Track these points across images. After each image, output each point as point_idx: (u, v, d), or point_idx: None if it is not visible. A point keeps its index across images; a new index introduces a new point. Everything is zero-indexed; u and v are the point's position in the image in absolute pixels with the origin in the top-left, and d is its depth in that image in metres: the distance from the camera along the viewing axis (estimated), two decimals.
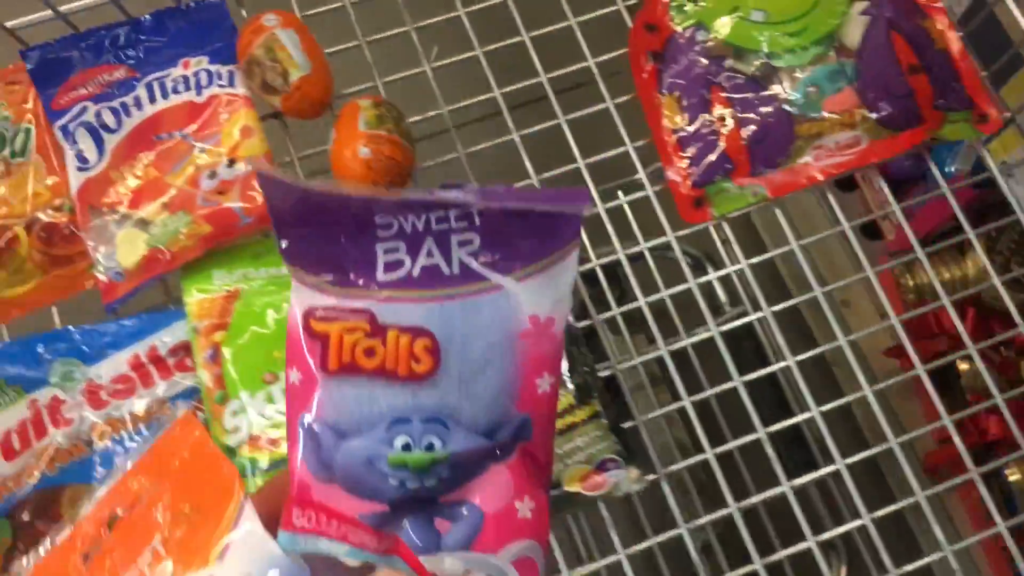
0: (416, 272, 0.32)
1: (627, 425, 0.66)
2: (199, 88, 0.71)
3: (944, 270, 1.14)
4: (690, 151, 0.70)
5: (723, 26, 0.72)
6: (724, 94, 0.70)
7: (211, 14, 0.74)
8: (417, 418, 0.31)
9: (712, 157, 0.69)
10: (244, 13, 0.76)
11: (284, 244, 0.33)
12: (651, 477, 0.65)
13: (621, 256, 0.70)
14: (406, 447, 0.31)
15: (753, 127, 0.69)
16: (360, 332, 0.31)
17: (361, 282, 0.32)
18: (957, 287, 1.11)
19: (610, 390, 0.66)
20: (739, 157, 0.69)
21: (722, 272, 0.70)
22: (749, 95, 0.70)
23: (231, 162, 0.68)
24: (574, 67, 0.74)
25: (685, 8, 0.73)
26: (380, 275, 0.32)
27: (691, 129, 0.70)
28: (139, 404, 0.64)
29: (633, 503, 0.89)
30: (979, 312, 1.08)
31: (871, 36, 0.70)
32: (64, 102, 0.71)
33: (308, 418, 0.32)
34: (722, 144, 0.69)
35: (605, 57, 0.74)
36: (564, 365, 0.65)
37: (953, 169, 0.98)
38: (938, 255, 1.10)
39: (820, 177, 0.69)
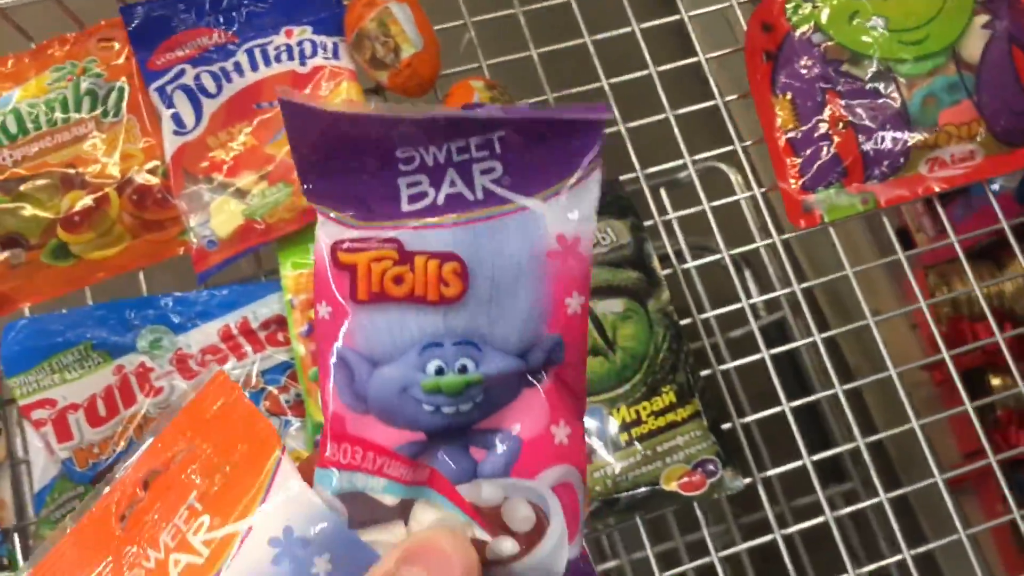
0: (440, 200, 0.32)
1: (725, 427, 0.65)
2: (303, 58, 0.69)
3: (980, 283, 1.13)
4: (802, 154, 0.69)
5: (841, 29, 0.70)
6: (839, 99, 0.69)
7: None
8: (449, 341, 0.31)
9: (825, 161, 0.68)
10: None
11: (307, 185, 0.33)
12: (747, 480, 0.64)
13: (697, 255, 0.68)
14: (439, 371, 0.31)
15: (868, 134, 0.68)
16: (388, 260, 0.31)
17: (386, 214, 0.32)
18: (994, 303, 1.11)
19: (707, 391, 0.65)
20: (852, 163, 0.68)
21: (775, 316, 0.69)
22: (865, 101, 0.68)
23: None
24: (688, 60, 0.72)
25: (802, 9, 0.72)
26: (404, 206, 0.32)
27: (804, 131, 0.69)
28: (235, 371, 0.62)
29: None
30: (1015, 327, 1.08)
31: (992, 50, 0.69)
32: (161, 63, 0.69)
33: (340, 349, 0.31)
34: (835, 149, 0.68)
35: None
36: (668, 363, 0.63)
37: (998, 187, 0.97)
38: (975, 270, 1.10)
39: (936, 188, 0.68)
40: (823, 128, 0.68)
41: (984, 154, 0.68)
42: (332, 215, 0.32)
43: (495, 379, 0.31)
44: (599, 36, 0.74)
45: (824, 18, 0.71)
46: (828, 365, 0.67)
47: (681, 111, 0.72)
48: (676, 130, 0.71)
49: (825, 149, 0.68)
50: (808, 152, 0.68)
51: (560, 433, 0.32)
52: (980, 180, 0.68)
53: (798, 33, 0.71)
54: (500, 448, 0.32)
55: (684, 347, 0.64)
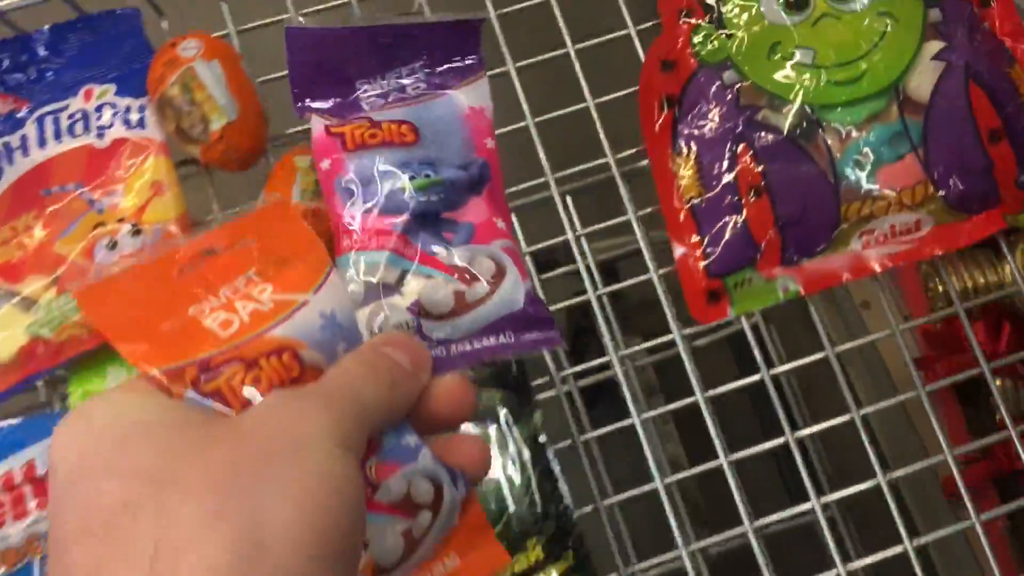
0: (391, 99, 0.48)
1: (625, 424, 0.57)
2: (101, 130, 0.57)
3: (979, 274, 1.00)
4: (707, 229, 0.56)
5: (758, 66, 0.57)
6: (753, 157, 0.56)
7: (123, 27, 0.60)
8: (414, 163, 0.45)
9: (734, 238, 0.56)
10: (165, 26, 0.61)
11: (299, 105, 0.49)
12: None
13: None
14: (411, 178, 0.44)
15: (788, 202, 0.55)
16: (364, 126, 0.46)
17: (355, 116, 0.47)
18: (992, 293, 0.98)
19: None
20: (768, 240, 0.55)
21: None
22: (785, 159, 0.55)
23: (135, 229, 0.55)
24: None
25: (712, 41, 0.58)
26: (366, 109, 0.48)
27: (709, 199, 0.56)
28: (13, 536, 0.52)
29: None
30: (1014, 325, 0.96)
31: (944, 87, 0.56)
32: None
33: (342, 179, 0.45)
34: (747, 222, 0.55)
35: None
36: (537, 506, 0.52)
37: None
38: (972, 259, 0.97)
39: (875, 269, 0.55)
40: (732, 196, 0.56)
41: (933, 224, 0.55)
42: (319, 118, 0.47)
43: (449, 181, 0.45)
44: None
45: (738, 51, 0.57)
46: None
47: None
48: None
49: (735, 222, 0.56)
50: (714, 227, 0.56)
51: (498, 222, 0.45)
52: (926, 259, 0.55)
53: (706, 72, 0.58)
54: (461, 230, 0.44)
55: (555, 484, 0.53)
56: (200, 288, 0.35)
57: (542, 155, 0.60)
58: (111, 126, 0.57)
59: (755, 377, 0.57)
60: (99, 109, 0.57)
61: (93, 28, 0.59)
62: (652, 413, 0.57)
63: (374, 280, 0.42)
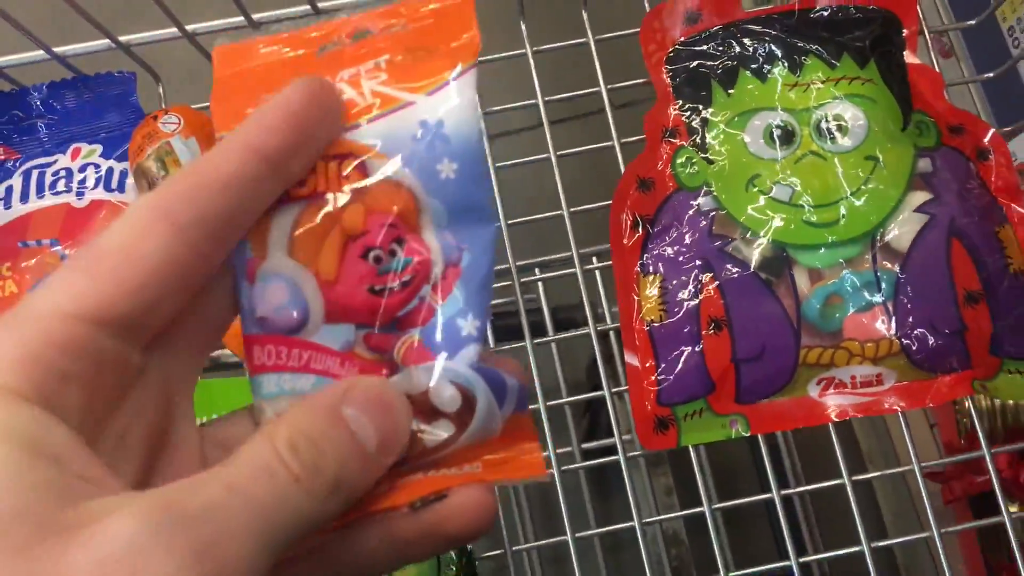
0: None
1: (623, 526, 0.56)
2: (82, 188, 0.58)
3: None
4: (663, 354, 0.55)
5: (735, 196, 0.56)
6: (718, 288, 0.54)
7: (117, 90, 0.61)
8: None
9: (689, 370, 0.54)
10: (161, 91, 0.63)
11: None
12: None
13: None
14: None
15: (747, 340, 0.54)
16: None
17: None
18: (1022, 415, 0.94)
19: None
20: (722, 375, 0.54)
21: None
22: (750, 295, 0.54)
23: None
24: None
25: (692, 164, 0.57)
26: None
27: (669, 327, 0.55)
28: None
29: None
30: None
31: (924, 242, 0.54)
32: None
33: None
34: (703, 354, 0.54)
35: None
36: None
37: None
38: None
39: (831, 417, 0.53)
40: (692, 326, 0.55)
41: (895, 380, 0.53)
42: None
43: None
44: None
45: (717, 178, 0.56)
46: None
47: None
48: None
49: (691, 353, 0.54)
50: (670, 354, 0.55)
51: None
52: (884, 415, 0.53)
53: (682, 195, 0.57)
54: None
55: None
56: (324, 69, 0.31)
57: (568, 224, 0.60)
58: (92, 187, 0.58)
59: (766, 496, 0.55)
60: (83, 169, 0.59)
61: (89, 88, 0.60)
62: (654, 520, 0.55)
63: None
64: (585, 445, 1.11)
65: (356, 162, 0.29)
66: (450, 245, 0.30)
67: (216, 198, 0.27)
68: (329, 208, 0.29)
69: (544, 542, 0.58)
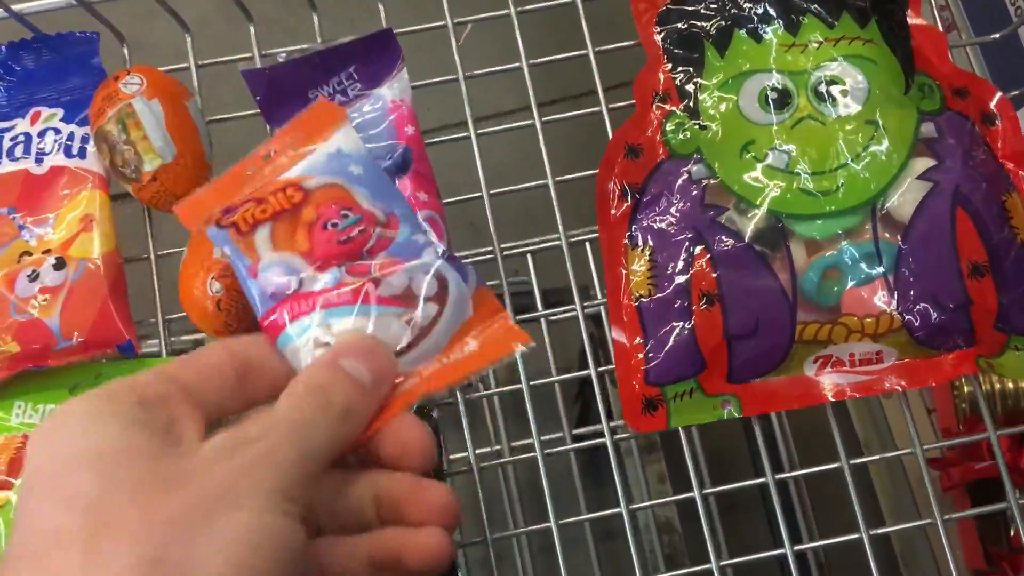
0: (336, 101, 0.54)
1: (611, 512, 0.53)
2: (40, 155, 0.55)
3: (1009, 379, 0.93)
4: (652, 332, 0.52)
5: (729, 164, 0.53)
6: (710, 261, 0.51)
7: (79, 51, 0.58)
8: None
9: (679, 347, 0.51)
10: (126, 52, 0.60)
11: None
12: None
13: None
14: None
15: (740, 315, 0.51)
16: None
17: None
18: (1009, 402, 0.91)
19: None
20: (714, 352, 0.51)
21: None
22: (743, 268, 0.51)
23: (59, 262, 0.53)
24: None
25: (684, 131, 0.54)
26: None
27: (658, 301, 0.52)
28: None
29: None
30: None
31: (928, 211, 0.51)
32: None
33: None
34: (695, 331, 0.51)
35: None
36: None
37: None
38: None
39: (828, 397, 0.51)
40: (683, 300, 0.52)
41: (896, 358, 0.51)
42: None
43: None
44: None
45: (710, 144, 0.53)
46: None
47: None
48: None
49: (682, 329, 0.51)
50: (660, 331, 0.52)
51: (420, 195, 0.52)
52: (886, 394, 0.50)
53: (673, 163, 0.54)
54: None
55: None
56: (256, 180, 0.42)
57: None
58: (51, 152, 0.55)
59: (759, 480, 0.52)
60: (42, 134, 0.56)
61: (50, 49, 0.57)
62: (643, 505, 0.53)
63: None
64: (576, 431, 1.08)
65: (296, 185, 0.41)
66: (384, 208, 0.42)
67: None
68: (289, 215, 0.40)
69: (526, 529, 0.55)
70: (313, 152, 0.42)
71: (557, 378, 0.60)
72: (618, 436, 0.54)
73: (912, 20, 0.56)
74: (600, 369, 0.55)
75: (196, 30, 0.60)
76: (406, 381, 0.38)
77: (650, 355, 0.52)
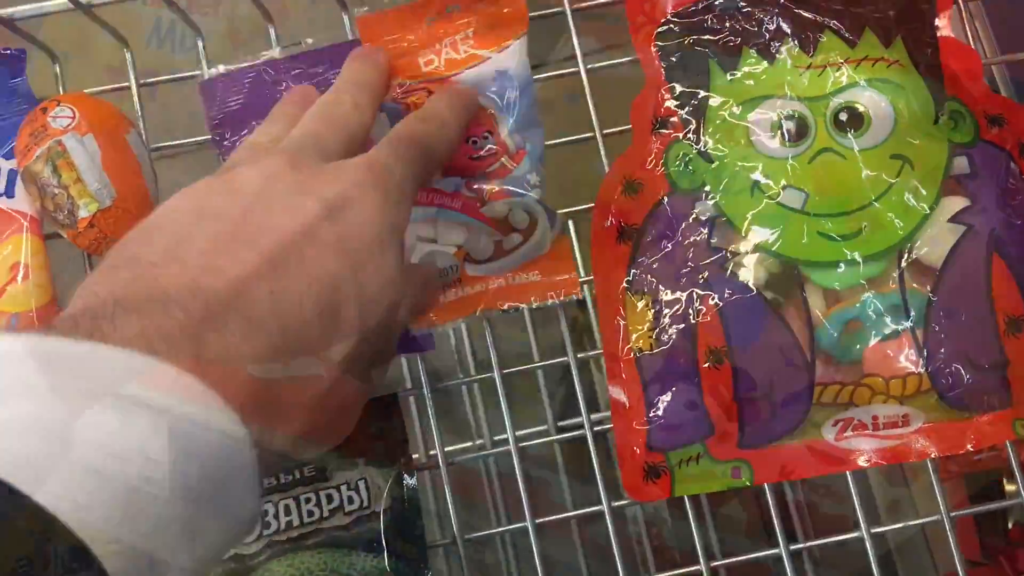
0: None
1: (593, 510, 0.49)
2: None
3: None
4: (653, 390, 0.47)
5: (736, 202, 0.47)
6: (719, 313, 0.46)
7: (8, 68, 0.51)
8: None
9: (684, 409, 0.46)
10: (57, 71, 0.53)
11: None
12: None
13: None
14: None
15: (752, 374, 0.46)
16: None
17: None
18: None
19: None
20: (723, 415, 0.46)
21: None
22: (755, 322, 0.46)
23: None
24: None
25: (690, 159, 0.48)
26: None
27: (661, 356, 0.47)
28: None
29: None
30: None
31: (961, 258, 0.46)
32: None
33: None
34: (702, 392, 0.46)
35: None
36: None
37: None
38: None
39: (851, 466, 0.46)
40: (688, 356, 0.46)
41: (924, 421, 0.46)
42: None
43: None
44: None
45: (717, 178, 0.48)
46: None
47: None
48: None
49: (686, 389, 0.46)
50: (662, 391, 0.47)
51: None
52: (913, 461, 0.46)
53: (677, 199, 0.48)
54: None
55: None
56: (432, 35, 0.48)
57: None
58: None
59: None
60: None
61: None
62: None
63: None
64: (561, 423, 1.04)
65: None
66: (518, 141, 0.47)
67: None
68: None
69: (503, 528, 0.52)
70: (486, 63, 0.48)
71: (537, 364, 0.55)
72: (599, 428, 0.50)
73: (941, 32, 0.50)
74: (586, 355, 0.51)
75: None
76: (474, 286, 0.46)
77: (652, 416, 0.47)
